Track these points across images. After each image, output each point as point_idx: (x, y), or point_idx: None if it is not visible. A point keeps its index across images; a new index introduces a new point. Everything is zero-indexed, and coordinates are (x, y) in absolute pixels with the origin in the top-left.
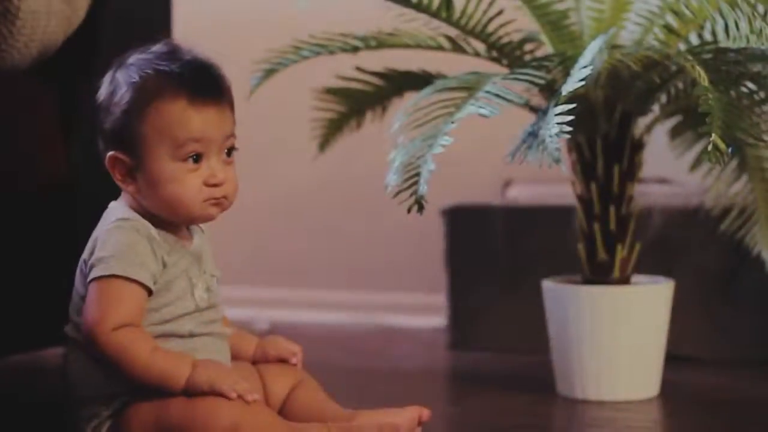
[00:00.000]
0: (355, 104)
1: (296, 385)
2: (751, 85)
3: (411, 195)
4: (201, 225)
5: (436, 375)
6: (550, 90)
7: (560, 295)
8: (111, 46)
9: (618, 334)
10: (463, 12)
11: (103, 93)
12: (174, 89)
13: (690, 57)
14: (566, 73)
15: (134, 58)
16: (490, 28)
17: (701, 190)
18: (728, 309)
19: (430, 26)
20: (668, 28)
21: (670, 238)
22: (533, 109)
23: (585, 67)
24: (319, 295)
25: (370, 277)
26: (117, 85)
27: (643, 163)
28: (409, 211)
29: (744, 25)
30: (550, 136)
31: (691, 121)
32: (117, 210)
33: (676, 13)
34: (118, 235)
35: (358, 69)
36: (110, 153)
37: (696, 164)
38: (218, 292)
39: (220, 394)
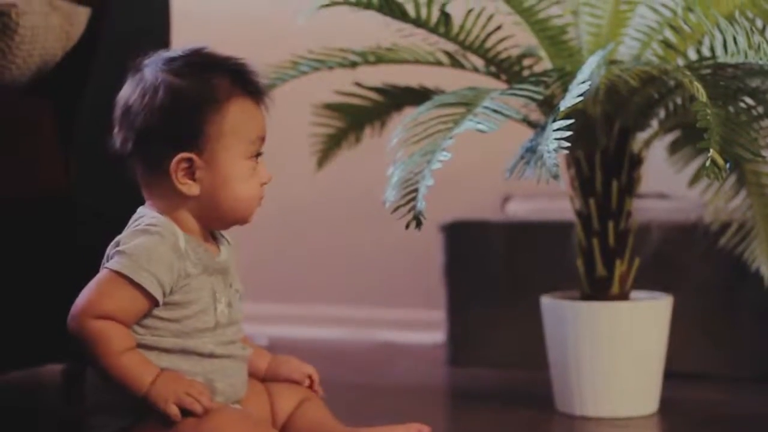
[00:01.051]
0: (354, 119)
1: (301, 402)
2: (749, 100)
3: (409, 211)
4: (228, 237)
5: (435, 391)
6: (548, 105)
7: (559, 311)
8: (109, 60)
9: (617, 350)
10: (462, 27)
11: (156, 98)
12: (241, 88)
13: (688, 72)
14: (565, 89)
15: (172, 62)
16: (489, 43)
17: (700, 206)
18: (727, 324)
19: (429, 41)
20: (666, 44)
21: (669, 254)
22: (532, 125)
23: (583, 82)
24: (317, 310)
25: (369, 292)
26: (173, 87)
27: (642, 178)
28: (407, 227)
29: (742, 41)
30: (549, 152)
31: (689, 137)
32: (147, 215)
33: (675, 29)
34: (142, 237)
35: (357, 84)
36: (180, 154)
37: (695, 179)
38: (240, 308)
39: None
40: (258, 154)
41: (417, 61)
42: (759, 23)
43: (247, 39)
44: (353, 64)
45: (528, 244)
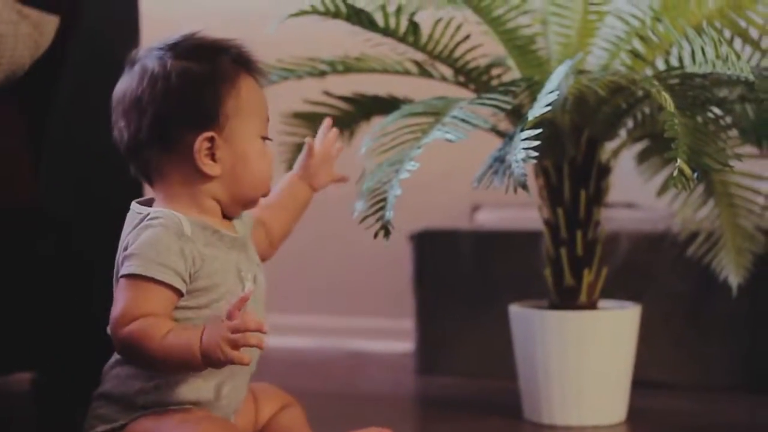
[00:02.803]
0: None
1: (281, 408)
2: (717, 110)
3: (378, 220)
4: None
5: (404, 400)
6: (517, 115)
7: (527, 320)
8: (78, 69)
9: (585, 359)
10: (430, 37)
11: (170, 83)
12: (245, 67)
13: (656, 82)
14: (533, 98)
15: (174, 48)
16: (457, 52)
17: (668, 215)
18: (695, 334)
19: (397, 51)
20: (635, 54)
21: (637, 263)
22: (500, 134)
23: (551, 92)
24: (287, 319)
25: (337, 301)
26: (185, 70)
27: (610, 187)
28: (375, 236)
29: (710, 51)
30: (517, 161)
31: (657, 146)
32: (143, 209)
33: (643, 39)
34: (145, 233)
35: (326, 93)
36: (203, 134)
37: (663, 189)
38: (264, 283)
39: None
40: (266, 137)
41: (385, 71)
42: (727, 34)
43: None
44: (322, 74)
45: (497, 253)
